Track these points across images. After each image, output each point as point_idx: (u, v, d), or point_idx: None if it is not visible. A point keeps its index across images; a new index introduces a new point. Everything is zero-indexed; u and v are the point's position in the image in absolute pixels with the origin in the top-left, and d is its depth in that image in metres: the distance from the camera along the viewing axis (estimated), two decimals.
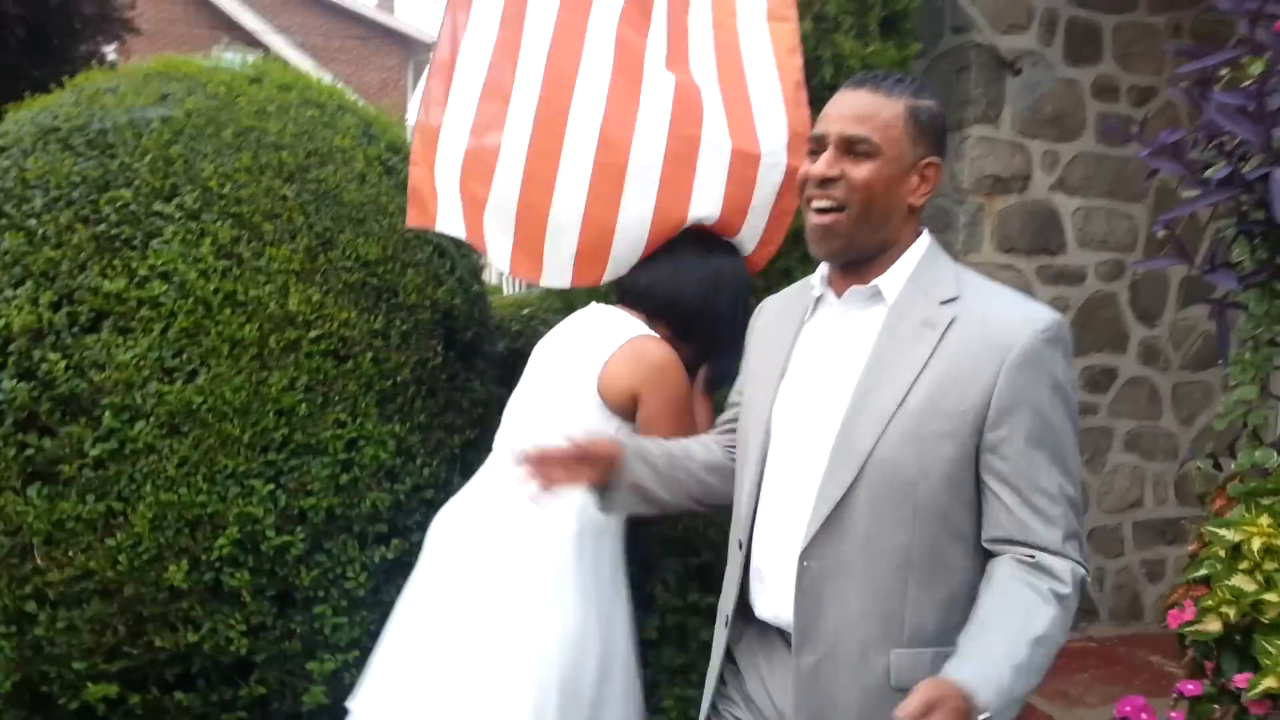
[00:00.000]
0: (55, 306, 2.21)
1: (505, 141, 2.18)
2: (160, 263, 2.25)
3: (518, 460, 1.61)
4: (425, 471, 2.46)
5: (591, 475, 1.64)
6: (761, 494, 1.51)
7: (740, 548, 1.52)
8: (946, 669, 1.22)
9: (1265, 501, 2.30)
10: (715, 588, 1.68)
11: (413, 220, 2.30)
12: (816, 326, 1.54)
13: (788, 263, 2.50)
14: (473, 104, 2.21)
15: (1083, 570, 1.36)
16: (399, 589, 2.44)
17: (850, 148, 1.43)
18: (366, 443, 2.34)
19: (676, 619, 2.48)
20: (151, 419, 2.16)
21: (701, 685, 1.64)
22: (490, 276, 5.33)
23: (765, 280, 2.34)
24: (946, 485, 1.37)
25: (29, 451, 2.14)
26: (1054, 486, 1.34)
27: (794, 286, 1.67)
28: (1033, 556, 1.33)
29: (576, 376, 1.97)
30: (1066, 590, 1.31)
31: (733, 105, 2.26)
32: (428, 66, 2.42)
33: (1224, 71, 2.44)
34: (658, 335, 2.02)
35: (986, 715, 1.15)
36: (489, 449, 2.77)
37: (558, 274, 2.24)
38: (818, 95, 2.06)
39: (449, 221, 2.27)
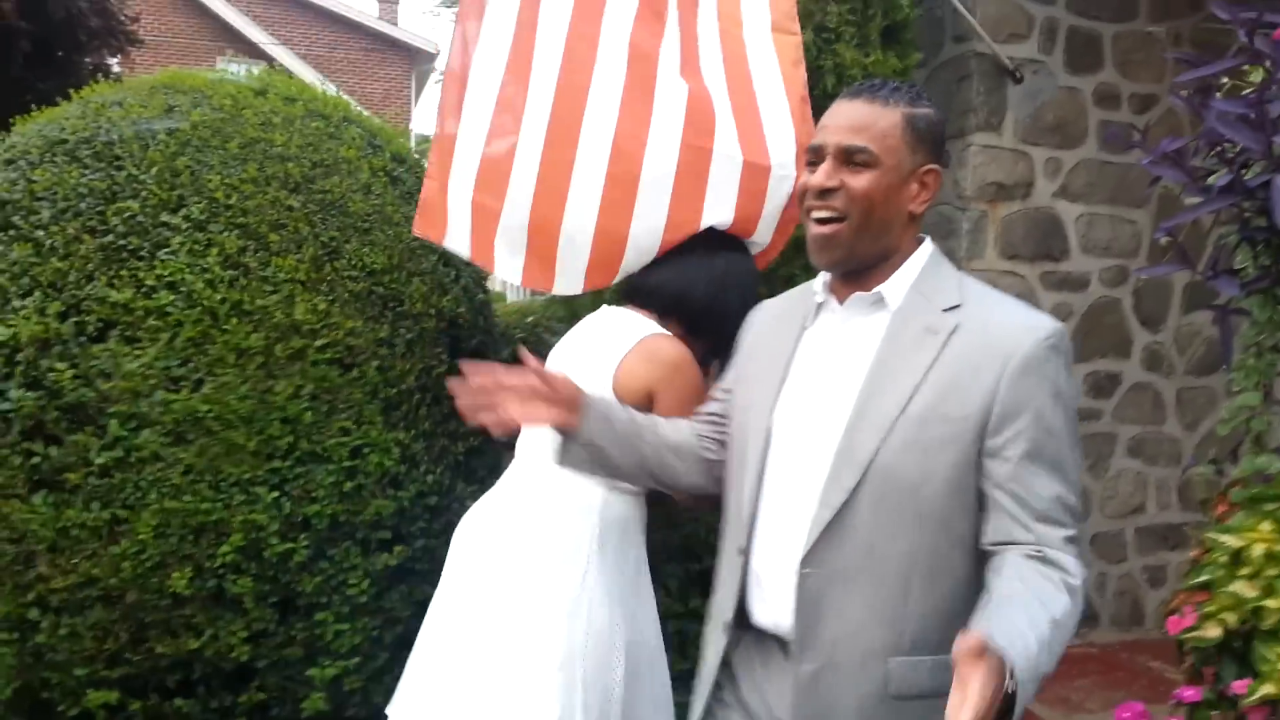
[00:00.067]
0: (63, 316, 2.23)
1: (519, 152, 2.19)
2: (167, 273, 2.27)
3: (469, 383, 1.55)
4: (429, 478, 2.47)
5: (547, 415, 1.58)
6: (761, 500, 1.50)
7: (740, 554, 1.51)
8: (972, 627, 1.18)
9: (1267, 507, 2.30)
10: None
11: (418, 229, 2.32)
12: (818, 333, 1.54)
13: (790, 270, 2.52)
14: (487, 114, 2.22)
15: (1085, 571, 1.36)
16: (401, 596, 2.46)
17: (848, 158, 1.44)
18: (371, 450, 2.35)
19: (678, 625, 2.48)
20: (158, 427, 2.17)
21: None
22: (494, 284, 5.34)
23: (769, 287, 2.36)
24: (949, 491, 1.37)
25: (35, 460, 2.15)
26: (1055, 492, 1.34)
27: (793, 291, 1.67)
28: (1040, 551, 1.32)
29: (592, 378, 1.98)
30: (1076, 582, 1.30)
31: (742, 116, 2.27)
32: (442, 78, 2.43)
33: (1224, 80, 2.45)
34: (670, 333, 2.03)
35: (1013, 682, 1.13)
36: (493, 456, 2.79)
37: (570, 283, 2.26)
38: (820, 105, 2.07)
39: (456, 239, 2.27)
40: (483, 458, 2.73)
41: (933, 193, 1.49)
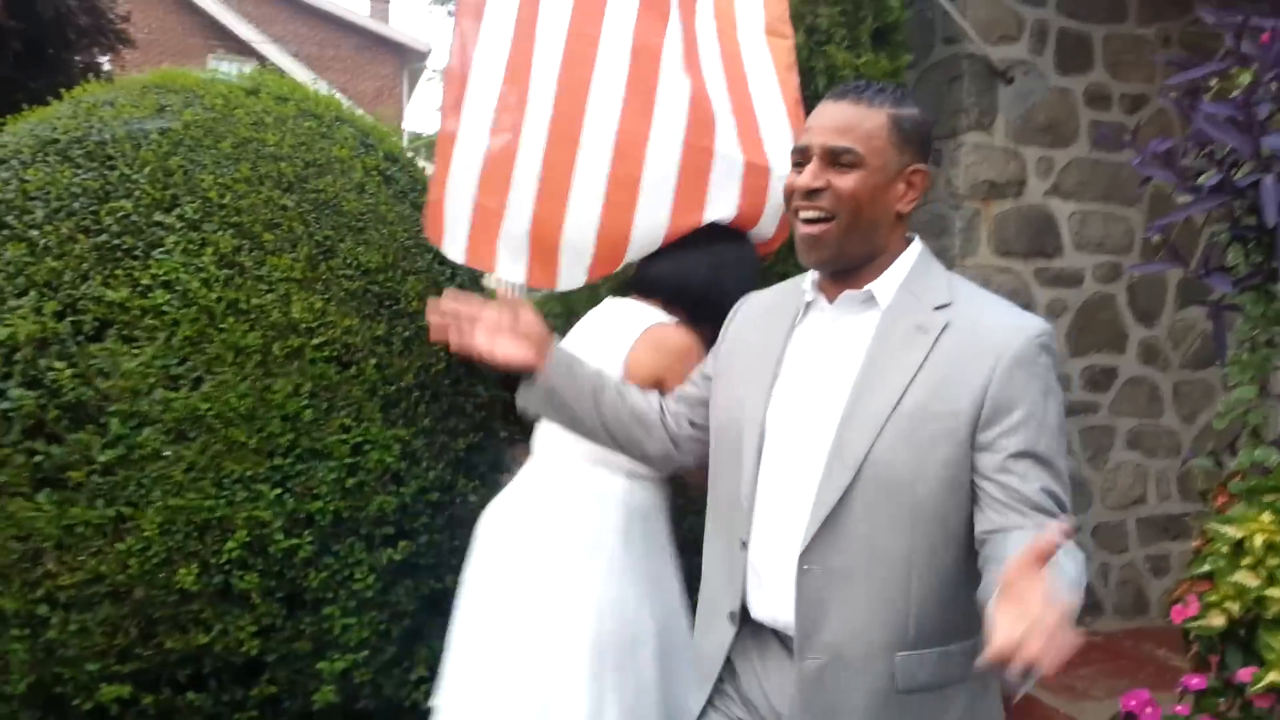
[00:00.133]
0: (59, 316, 2.22)
1: (520, 152, 2.19)
2: (163, 272, 2.26)
3: (445, 305, 1.64)
4: (430, 475, 2.48)
5: (511, 352, 1.66)
6: (758, 494, 1.51)
7: (743, 547, 1.52)
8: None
9: (1267, 498, 2.33)
10: None
11: (427, 232, 2.32)
12: (808, 330, 1.55)
13: (785, 268, 2.52)
14: (489, 114, 2.22)
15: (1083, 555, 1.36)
16: (407, 590, 2.47)
17: (834, 159, 1.45)
18: (372, 447, 2.35)
19: None
20: (158, 425, 2.17)
21: None
22: (489, 280, 5.34)
23: (766, 284, 2.37)
24: (943, 488, 1.37)
25: (38, 458, 2.15)
26: (1046, 485, 1.34)
27: (781, 286, 1.68)
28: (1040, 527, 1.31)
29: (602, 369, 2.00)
30: (1080, 555, 1.29)
31: (741, 116, 2.28)
32: (433, 75, 2.44)
33: (1213, 82, 2.48)
34: (674, 321, 2.05)
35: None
36: (494, 451, 2.80)
37: (572, 280, 2.27)
38: (812, 107, 2.09)
39: (453, 245, 2.27)
40: (484, 454, 2.73)
41: (920, 192, 1.50)
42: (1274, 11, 2.30)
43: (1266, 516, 2.25)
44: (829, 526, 1.40)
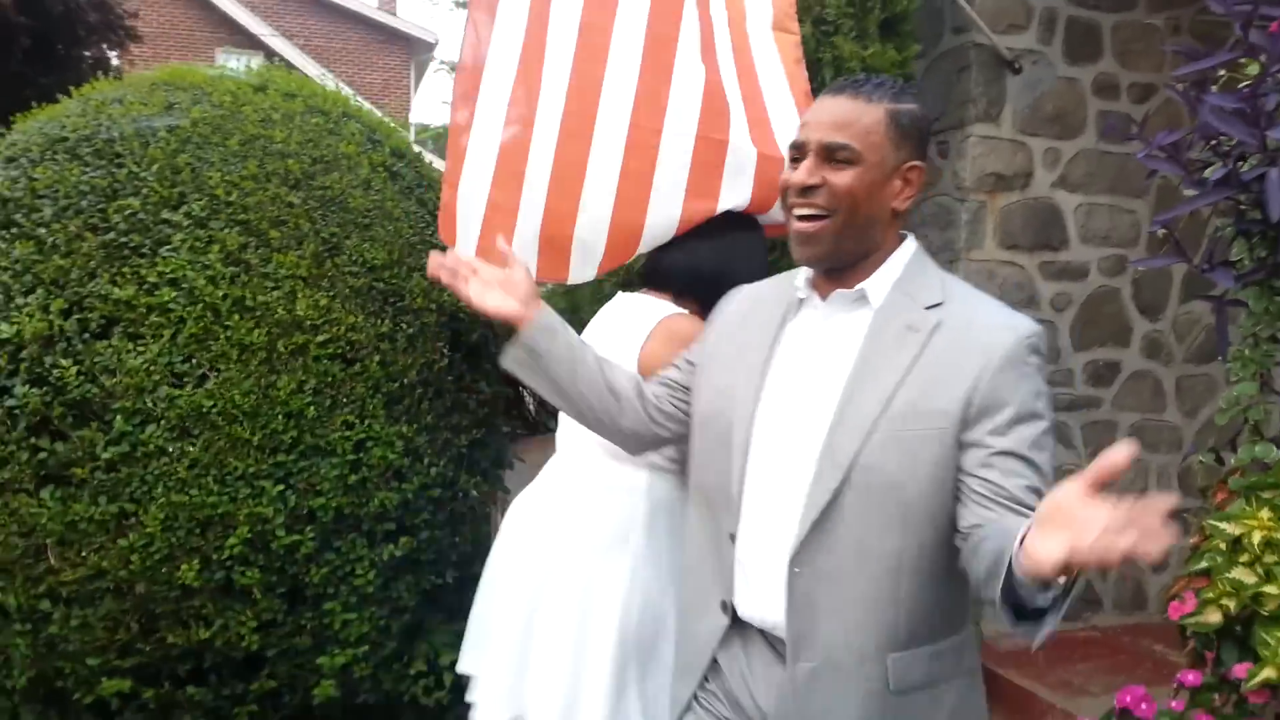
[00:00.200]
0: (66, 314, 2.24)
1: (533, 146, 2.19)
2: (169, 270, 2.28)
3: (447, 257, 1.74)
4: (433, 471, 2.49)
5: (498, 304, 1.69)
6: (745, 489, 1.49)
7: (732, 540, 1.51)
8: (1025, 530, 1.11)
9: (1266, 495, 2.33)
10: None
11: (442, 235, 2.32)
12: (800, 327, 1.54)
13: (789, 263, 2.52)
14: (502, 109, 2.21)
15: None
16: (408, 585, 2.49)
17: (830, 155, 1.43)
18: (374, 444, 2.37)
19: None
20: (162, 422, 2.19)
21: None
22: None
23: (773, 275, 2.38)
24: (933, 488, 1.36)
25: (42, 455, 2.17)
26: (1031, 483, 1.33)
27: (772, 280, 1.67)
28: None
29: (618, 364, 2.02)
30: None
31: (752, 107, 2.28)
32: (440, 67, 2.44)
33: (1221, 72, 2.46)
34: (687, 311, 2.06)
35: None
36: (496, 448, 2.82)
37: (583, 274, 2.27)
38: None
39: (465, 245, 2.26)
40: (486, 449, 2.75)
41: (917, 189, 1.48)
42: None
43: (1265, 513, 2.25)
44: (819, 528, 1.39)
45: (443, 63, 19.92)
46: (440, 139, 18.53)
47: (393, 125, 3.07)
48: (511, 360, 1.78)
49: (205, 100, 2.61)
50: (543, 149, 2.20)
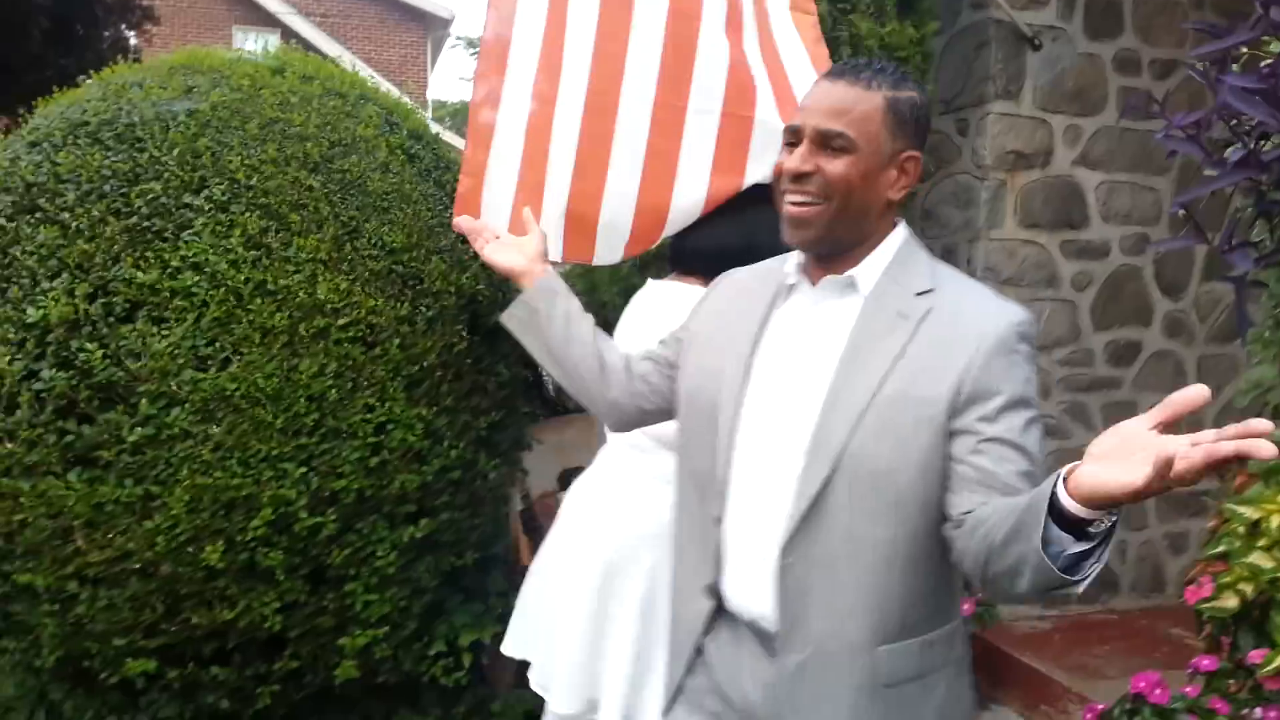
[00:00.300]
0: (91, 298, 2.26)
1: (556, 126, 2.18)
2: (191, 254, 2.29)
3: (471, 221, 2.05)
4: (453, 453, 2.51)
5: (506, 259, 1.91)
6: (732, 474, 1.49)
7: (716, 523, 1.50)
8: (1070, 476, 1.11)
9: None
10: None
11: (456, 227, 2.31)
12: (789, 313, 1.53)
13: None
14: (527, 89, 2.20)
15: None
16: (428, 566, 2.52)
17: (826, 142, 1.42)
18: (395, 426, 2.38)
19: None
20: (187, 405, 2.21)
21: None
22: None
23: None
24: (923, 476, 1.36)
25: (69, 438, 2.20)
26: (1023, 469, 1.32)
27: (762, 264, 1.66)
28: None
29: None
30: None
31: (777, 81, 2.27)
32: (457, 43, 2.42)
33: (1243, 50, 2.43)
34: None
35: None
36: (516, 429, 2.85)
37: (609, 254, 2.28)
38: None
39: (494, 220, 2.23)
40: (505, 432, 2.77)
41: (913, 179, 1.47)
42: None
43: None
44: (810, 518, 1.39)
45: (459, 39, 19.84)
46: (457, 115, 18.49)
47: (410, 107, 3.07)
48: (510, 317, 1.86)
49: (224, 84, 2.62)
50: (567, 127, 2.19)
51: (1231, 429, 0.95)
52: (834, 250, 1.48)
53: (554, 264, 2.09)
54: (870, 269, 1.47)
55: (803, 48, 2.35)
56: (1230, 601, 2.22)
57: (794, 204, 1.45)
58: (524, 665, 2.22)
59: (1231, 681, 2.29)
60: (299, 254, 2.37)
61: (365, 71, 3.14)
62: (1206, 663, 2.33)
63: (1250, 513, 2.29)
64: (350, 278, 2.41)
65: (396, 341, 2.43)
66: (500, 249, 1.95)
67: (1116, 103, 4.09)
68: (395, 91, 3.26)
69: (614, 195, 2.20)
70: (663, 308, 2.09)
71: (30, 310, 2.24)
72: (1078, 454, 1.13)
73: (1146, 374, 4.22)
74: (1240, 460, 0.95)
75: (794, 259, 1.55)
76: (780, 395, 1.47)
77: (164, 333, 2.25)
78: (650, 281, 2.25)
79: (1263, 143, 2.40)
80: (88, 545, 2.21)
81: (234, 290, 2.29)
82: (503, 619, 2.53)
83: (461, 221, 2.08)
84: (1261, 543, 2.23)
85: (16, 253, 2.32)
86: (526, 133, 2.21)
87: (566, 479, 4.03)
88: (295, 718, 2.57)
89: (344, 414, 2.33)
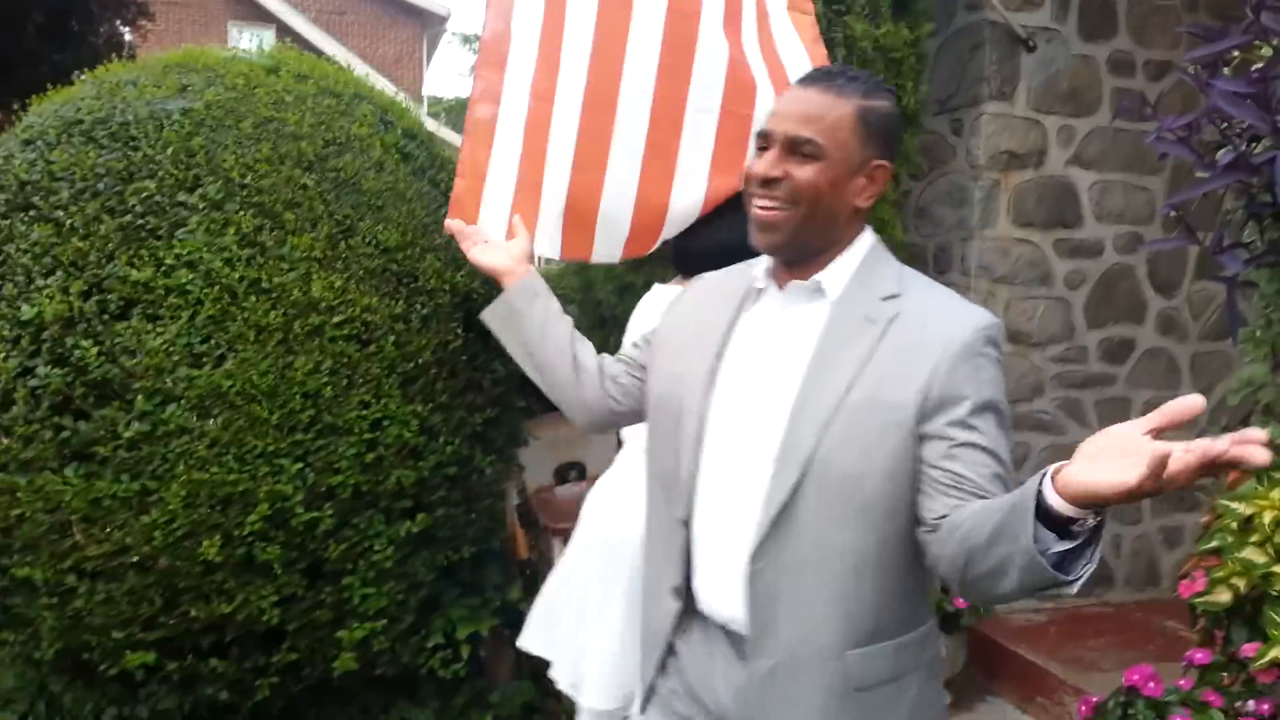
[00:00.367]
0: (85, 295, 2.26)
1: (555, 121, 2.18)
2: (186, 252, 2.30)
3: (463, 225, 2.06)
4: (448, 449, 2.52)
5: (489, 259, 1.94)
6: (699, 477, 1.49)
7: (682, 525, 1.50)
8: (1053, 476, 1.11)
9: (1277, 475, 2.34)
10: None
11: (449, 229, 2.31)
12: (756, 318, 1.53)
13: None
14: (526, 86, 2.20)
15: None
16: (424, 561, 2.54)
17: (796, 148, 1.42)
18: (390, 422, 2.39)
19: None
20: (182, 402, 2.22)
21: None
22: None
23: None
24: (892, 481, 1.35)
25: (65, 434, 2.20)
26: (995, 471, 1.32)
27: (732, 268, 1.67)
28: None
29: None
30: None
31: (777, 83, 2.27)
32: (453, 39, 2.41)
33: (1235, 54, 2.45)
34: None
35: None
36: (511, 425, 2.86)
37: (608, 252, 2.28)
38: None
39: (491, 222, 2.22)
40: (500, 428, 2.78)
41: (880, 187, 1.47)
42: None
43: (1276, 493, 2.27)
44: (780, 525, 1.38)
45: (455, 35, 19.82)
46: (453, 111, 18.47)
47: (404, 105, 3.07)
48: (490, 314, 1.89)
49: (219, 83, 2.62)
50: (566, 124, 2.19)
51: (1228, 436, 0.96)
52: (801, 255, 1.48)
53: (551, 261, 2.11)
54: (837, 274, 1.47)
55: (802, 47, 2.36)
56: (1223, 596, 2.24)
57: (762, 208, 1.45)
58: (522, 658, 2.24)
59: (1225, 675, 2.30)
60: (293, 252, 2.37)
61: (361, 68, 3.14)
62: (1200, 656, 2.35)
63: (1243, 508, 2.30)
64: (345, 275, 2.42)
65: (391, 339, 2.44)
66: (486, 250, 1.97)
67: (1110, 103, 4.11)
68: (391, 88, 3.26)
69: (613, 191, 2.20)
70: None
71: (25, 307, 2.25)
72: (1072, 449, 1.13)
73: (1140, 371, 4.24)
74: (1233, 464, 0.96)
75: (763, 263, 1.56)
76: (747, 399, 1.47)
77: (159, 330, 2.25)
78: (656, 286, 2.25)
79: (1253, 145, 2.41)
80: (85, 539, 2.22)
81: (228, 288, 2.30)
82: (499, 612, 2.54)
83: (451, 224, 2.09)
84: (1254, 538, 2.24)
85: (11, 250, 2.33)
86: (525, 130, 2.21)
87: (562, 474, 4.04)
88: (294, 710, 2.59)
89: (339, 410, 2.34)
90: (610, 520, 2.16)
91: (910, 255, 4.08)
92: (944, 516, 1.30)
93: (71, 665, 2.40)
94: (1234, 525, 2.32)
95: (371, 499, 2.40)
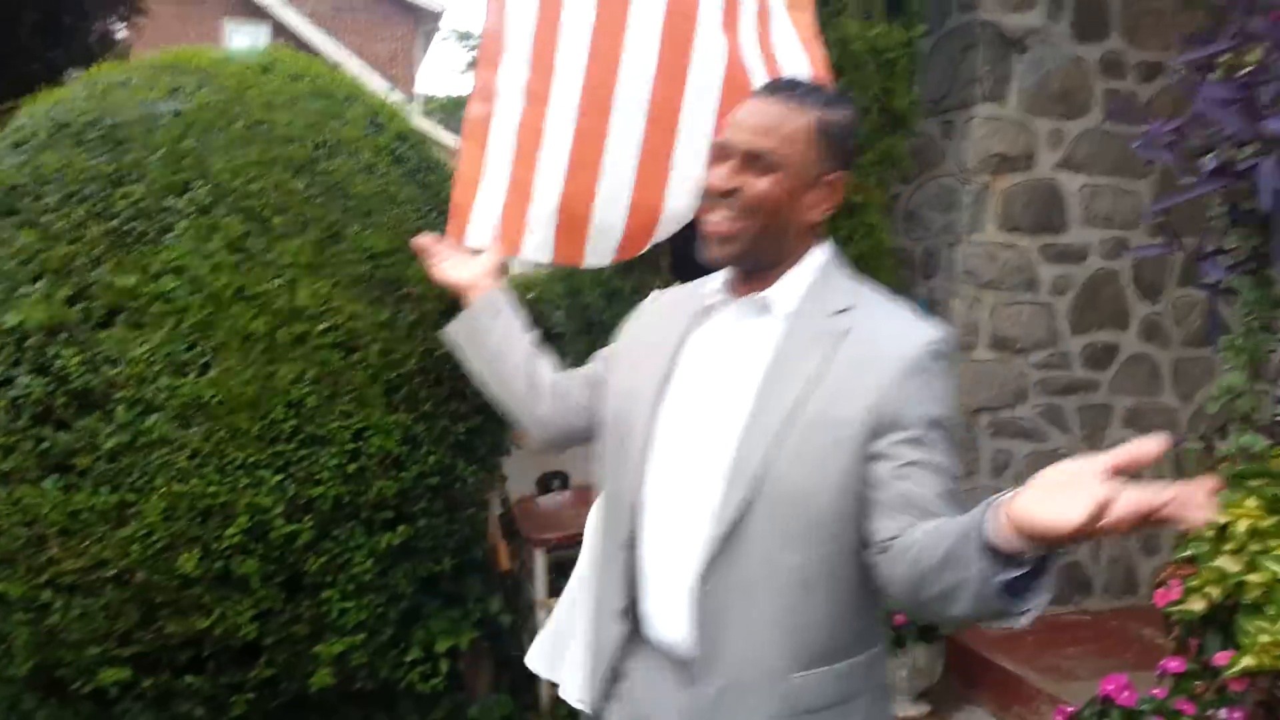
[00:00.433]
0: (70, 302, 2.25)
1: (549, 123, 2.17)
2: (172, 258, 2.29)
3: (430, 242, 1.99)
4: (431, 459, 2.51)
5: (453, 276, 1.89)
6: (644, 497, 1.47)
7: (623, 548, 1.49)
8: (1000, 504, 1.10)
9: (1252, 484, 2.35)
10: None
11: (450, 233, 2.29)
12: (707, 333, 1.52)
13: None
14: (520, 88, 2.19)
15: None
16: (405, 573, 2.53)
17: (752, 160, 1.41)
18: (373, 432, 2.39)
19: None
20: (164, 412, 2.21)
21: None
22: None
23: None
24: (841, 499, 1.34)
25: (45, 444, 2.19)
26: (942, 490, 1.31)
27: (689, 284, 1.65)
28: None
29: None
30: None
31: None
32: (447, 37, 2.39)
33: (1224, 58, 2.45)
34: None
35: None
36: (495, 435, 2.85)
37: (600, 257, 2.27)
38: None
39: (478, 234, 2.23)
40: (484, 437, 2.76)
41: (836, 201, 1.46)
42: None
43: (1251, 502, 2.28)
44: (729, 545, 1.36)
45: (450, 32, 19.78)
46: (447, 109, 18.43)
47: (396, 107, 3.06)
48: (452, 331, 1.87)
49: (210, 84, 2.60)
50: (559, 126, 2.18)
51: (1171, 490, 0.96)
52: (754, 267, 1.47)
53: (541, 265, 2.08)
54: (789, 289, 1.46)
55: (800, 47, 2.36)
56: (1198, 604, 2.25)
57: (715, 220, 1.45)
58: (501, 671, 2.23)
59: (1198, 683, 2.32)
60: (280, 258, 2.36)
61: (355, 66, 3.12)
62: (1174, 664, 2.36)
63: (1218, 517, 2.31)
64: (331, 282, 2.41)
65: (377, 346, 2.43)
66: (451, 266, 1.92)
67: (1101, 105, 4.11)
68: (385, 86, 3.24)
69: (607, 194, 2.19)
70: None
71: (8, 315, 2.24)
72: (1053, 456, 1.13)
73: (1123, 377, 4.25)
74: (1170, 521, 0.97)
75: (719, 278, 1.54)
76: (697, 417, 1.45)
77: (142, 338, 2.24)
78: (654, 294, 2.25)
79: (1238, 150, 2.42)
80: (62, 553, 2.21)
81: (214, 295, 2.29)
82: (480, 625, 2.52)
83: (417, 241, 2.03)
84: (1228, 547, 2.25)
85: None
86: (518, 130, 2.20)
87: (545, 483, 4.04)
88: None
89: (322, 420, 2.33)
90: None
91: (898, 260, 4.09)
92: (894, 538, 1.29)
93: (45, 682, 2.37)
94: (1209, 534, 2.33)
95: (352, 510, 2.39)
